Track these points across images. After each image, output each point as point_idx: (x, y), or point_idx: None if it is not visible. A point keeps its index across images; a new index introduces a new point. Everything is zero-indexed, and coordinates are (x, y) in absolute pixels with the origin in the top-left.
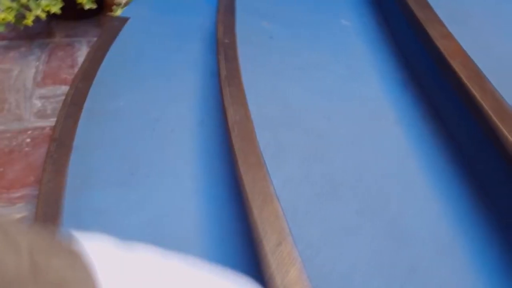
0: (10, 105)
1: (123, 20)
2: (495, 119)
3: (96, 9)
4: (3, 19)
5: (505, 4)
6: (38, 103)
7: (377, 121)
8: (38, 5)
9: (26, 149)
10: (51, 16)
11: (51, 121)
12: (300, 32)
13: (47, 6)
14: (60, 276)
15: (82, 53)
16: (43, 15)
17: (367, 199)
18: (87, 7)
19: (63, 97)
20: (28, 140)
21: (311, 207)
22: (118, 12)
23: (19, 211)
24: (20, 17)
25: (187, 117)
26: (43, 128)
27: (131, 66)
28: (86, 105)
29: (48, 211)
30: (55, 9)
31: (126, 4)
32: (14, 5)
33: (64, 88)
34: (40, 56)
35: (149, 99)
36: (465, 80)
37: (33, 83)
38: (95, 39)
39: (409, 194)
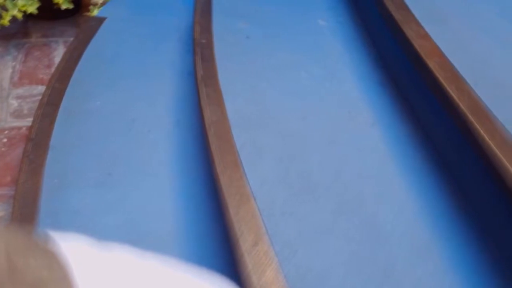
0: None
1: (100, 20)
2: (471, 119)
3: (73, 9)
4: None
5: (481, 4)
6: (14, 103)
7: (353, 122)
8: (15, 5)
9: (3, 149)
10: (27, 16)
11: (27, 121)
12: (276, 32)
13: (23, 6)
14: (37, 277)
15: (58, 53)
16: (19, 15)
17: (344, 200)
18: (63, 7)
19: (40, 97)
20: (5, 140)
21: (287, 207)
22: (95, 12)
23: None
24: None
25: (164, 117)
26: (19, 128)
27: (107, 66)
28: (62, 105)
29: (25, 211)
30: (32, 9)
31: (102, 4)
32: None
33: (41, 88)
34: (16, 56)
35: (126, 99)
36: (441, 80)
37: (10, 83)
38: (71, 39)
39: (385, 194)
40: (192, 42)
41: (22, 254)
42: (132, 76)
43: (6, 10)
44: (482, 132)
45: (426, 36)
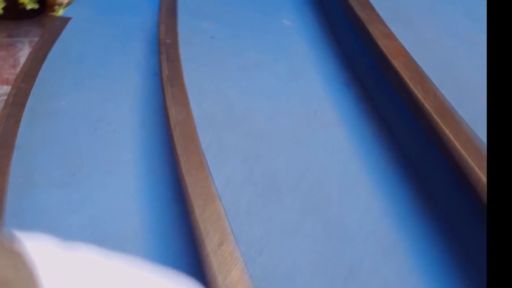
0: None
1: (65, 20)
2: (437, 119)
3: (38, 9)
4: None
5: (446, 4)
6: None
7: (319, 122)
8: None
9: None
10: None
11: None
12: (241, 32)
13: None
14: (2, 277)
15: (24, 53)
16: None
17: (309, 199)
18: (29, 7)
19: (5, 97)
20: None
21: (253, 207)
22: (60, 12)
23: None
24: None
25: (129, 117)
26: None
27: (73, 66)
28: (28, 105)
29: None
30: None
31: (68, 4)
32: None
33: (6, 88)
34: None
35: (91, 99)
36: (407, 80)
37: None
38: (37, 39)
39: (351, 194)
40: (158, 42)
41: None
42: (98, 76)
43: None
44: (447, 132)
45: (391, 36)
